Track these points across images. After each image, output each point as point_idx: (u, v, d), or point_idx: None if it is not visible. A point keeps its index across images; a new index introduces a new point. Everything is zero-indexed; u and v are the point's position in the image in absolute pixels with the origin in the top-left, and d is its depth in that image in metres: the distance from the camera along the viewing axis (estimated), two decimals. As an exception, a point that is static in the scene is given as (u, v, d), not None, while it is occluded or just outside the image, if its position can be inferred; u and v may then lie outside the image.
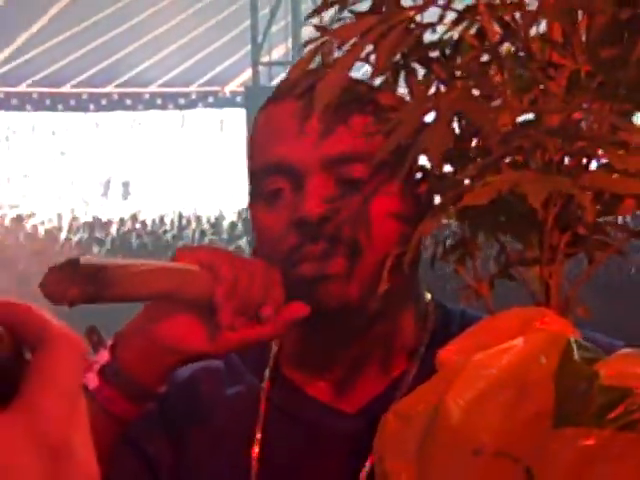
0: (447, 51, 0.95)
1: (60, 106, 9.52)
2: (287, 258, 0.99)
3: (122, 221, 8.02)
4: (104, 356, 0.94)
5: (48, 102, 9.44)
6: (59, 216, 9.16)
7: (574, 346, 0.86)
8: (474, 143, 0.94)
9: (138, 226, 8.33)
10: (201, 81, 10.44)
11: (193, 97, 10.13)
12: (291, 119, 0.99)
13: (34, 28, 9.51)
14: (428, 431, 0.87)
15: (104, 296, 0.78)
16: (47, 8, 9.43)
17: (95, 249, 7.52)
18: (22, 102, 8.87)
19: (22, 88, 9.45)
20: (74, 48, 9.41)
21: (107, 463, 0.86)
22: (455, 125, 0.92)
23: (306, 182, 0.98)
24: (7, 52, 9.54)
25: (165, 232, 8.51)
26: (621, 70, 0.90)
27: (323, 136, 0.99)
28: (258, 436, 1.04)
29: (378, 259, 0.98)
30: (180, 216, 8.18)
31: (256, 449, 1.04)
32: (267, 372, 1.08)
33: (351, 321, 1.02)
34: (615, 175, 0.91)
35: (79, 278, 0.75)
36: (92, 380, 0.93)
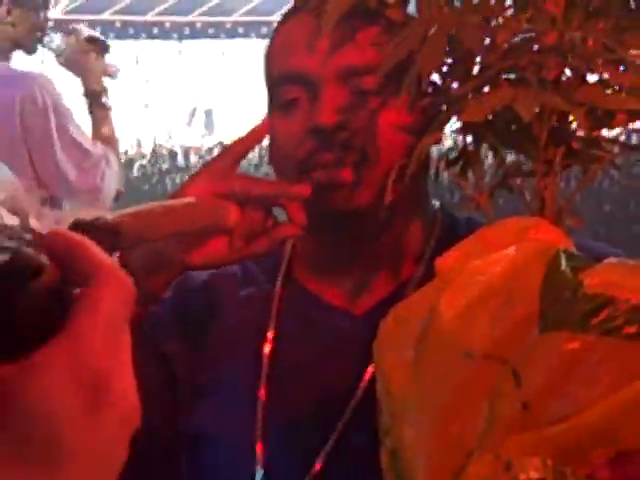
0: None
1: (143, 34, 9.45)
2: (301, 165, 1.04)
3: (207, 150, 7.96)
4: None
5: (131, 31, 9.38)
6: (138, 142, 9.11)
7: (562, 256, 0.91)
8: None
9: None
10: (283, 10, 10.29)
11: (275, 25, 10.05)
12: (306, 32, 1.03)
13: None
14: (423, 334, 0.93)
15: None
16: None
17: (177, 178, 7.50)
18: (105, 30, 8.82)
19: (105, 16, 9.36)
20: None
21: None
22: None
23: (321, 92, 1.02)
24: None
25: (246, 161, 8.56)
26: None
27: (337, 48, 1.03)
28: (270, 335, 1.11)
29: (386, 169, 1.02)
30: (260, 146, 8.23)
31: (267, 347, 1.10)
32: (280, 276, 1.13)
33: (360, 228, 1.07)
34: (608, 91, 0.95)
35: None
36: None
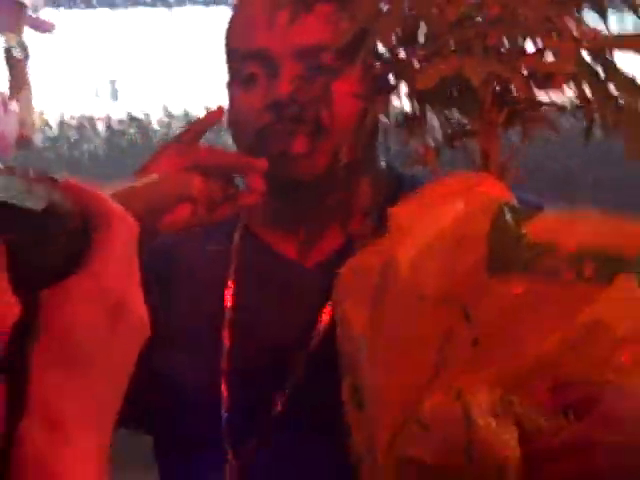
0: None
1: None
2: (258, 136, 1.11)
3: (111, 119, 7.97)
4: None
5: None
6: (41, 112, 9.00)
7: (505, 208, 1.01)
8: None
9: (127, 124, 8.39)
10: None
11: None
12: (266, 9, 1.10)
13: None
14: (380, 281, 1.01)
15: None
16: None
17: (85, 147, 7.51)
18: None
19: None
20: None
21: None
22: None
23: (280, 69, 1.09)
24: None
25: (154, 129, 8.60)
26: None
27: (294, 26, 1.10)
28: (230, 285, 1.18)
29: (340, 136, 1.10)
30: (168, 112, 8.29)
31: (229, 296, 1.18)
32: (238, 230, 1.21)
33: (315, 190, 1.15)
34: (547, 58, 1.04)
35: None
36: None
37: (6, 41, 3.02)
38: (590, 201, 1.15)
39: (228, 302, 1.19)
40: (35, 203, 0.54)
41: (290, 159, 1.11)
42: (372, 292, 1.02)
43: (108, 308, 0.55)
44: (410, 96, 1.08)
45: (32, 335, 0.53)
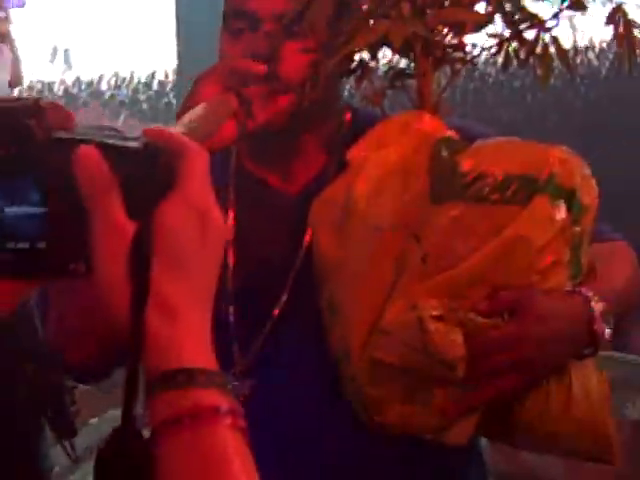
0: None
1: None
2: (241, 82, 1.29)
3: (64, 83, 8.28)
4: None
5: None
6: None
7: (441, 143, 1.20)
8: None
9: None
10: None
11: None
12: None
13: None
14: (343, 212, 1.21)
15: None
16: None
17: None
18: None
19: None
20: None
21: None
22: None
23: (260, 25, 1.27)
24: None
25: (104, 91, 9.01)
26: None
27: None
28: (231, 213, 1.37)
29: (297, 83, 1.28)
30: (117, 76, 8.63)
31: (229, 221, 1.37)
32: (231, 167, 1.40)
33: (285, 132, 1.32)
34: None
35: None
36: None
37: None
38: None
39: (229, 225, 1.37)
40: (133, 144, 0.71)
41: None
42: (337, 221, 1.21)
43: (198, 218, 0.72)
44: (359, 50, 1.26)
45: (147, 245, 0.69)
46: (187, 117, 1.17)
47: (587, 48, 7.31)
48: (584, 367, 1.21)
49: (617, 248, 1.36)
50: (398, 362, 1.15)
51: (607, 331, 1.19)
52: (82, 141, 0.69)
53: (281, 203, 1.37)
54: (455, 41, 1.25)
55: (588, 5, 1.22)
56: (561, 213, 1.15)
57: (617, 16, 1.22)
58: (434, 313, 1.13)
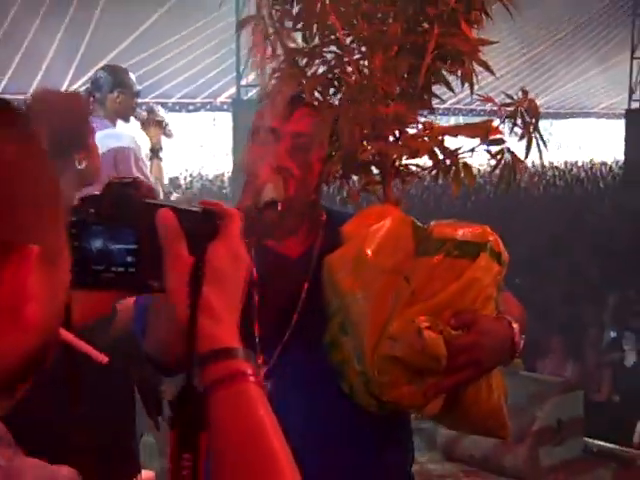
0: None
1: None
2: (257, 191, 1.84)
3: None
4: None
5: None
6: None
7: (415, 222, 1.83)
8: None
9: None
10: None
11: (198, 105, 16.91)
12: (276, 109, 1.86)
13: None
14: (355, 263, 1.78)
15: None
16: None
17: None
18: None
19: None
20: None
21: None
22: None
23: (281, 140, 1.84)
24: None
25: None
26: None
27: (291, 119, 1.86)
28: (254, 271, 1.88)
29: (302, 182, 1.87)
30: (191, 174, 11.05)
31: (253, 275, 1.87)
32: (253, 242, 1.93)
33: (288, 217, 1.89)
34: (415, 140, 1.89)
35: None
36: None
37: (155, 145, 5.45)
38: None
39: (254, 277, 1.89)
40: (195, 209, 1.11)
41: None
42: (351, 268, 1.78)
43: (233, 256, 1.10)
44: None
45: (200, 272, 1.06)
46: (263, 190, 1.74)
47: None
48: (497, 373, 1.84)
49: (507, 294, 2.01)
50: (403, 357, 1.71)
51: (521, 343, 1.83)
52: (162, 205, 1.09)
53: (286, 263, 1.93)
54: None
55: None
56: (496, 266, 1.80)
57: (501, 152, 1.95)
58: (426, 324, 1.71)
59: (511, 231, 8.50)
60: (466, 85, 1.94)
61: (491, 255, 1.81)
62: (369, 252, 1.80)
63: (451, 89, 1.97)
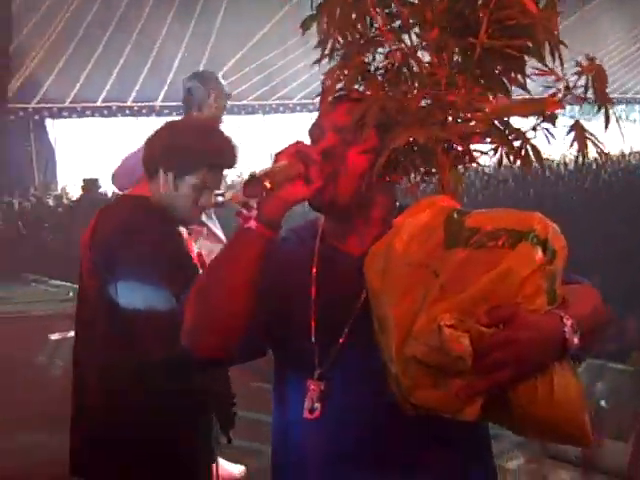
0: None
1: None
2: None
3: None
4: (254, 212, 1.78)
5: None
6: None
7: (454, 211, 1.72)
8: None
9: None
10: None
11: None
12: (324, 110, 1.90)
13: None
14: (385, 258, 1.73)
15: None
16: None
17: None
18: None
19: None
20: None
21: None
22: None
23: (325, 134, 1.86)
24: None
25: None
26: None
27: (332, 114, 1.87)
28: (314, 268, 1.93)
29: (354, 178, 1.84)
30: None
31: (314, 272, 1.93)
32: (317, 238, 1.97)
33: (347, 213, 1.88)
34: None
35: None
36: (252, 222, 1.78)
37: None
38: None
39: (314, 274, 1.94)
40: None
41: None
42: (382, 264, 1.73)
43: None
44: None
45: None
46: (271, 166, 1.74)
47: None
48: (563, 369, 1.67)
49: (584, 287, 1.84)
50: (424, 357, 1.63)
51: (575, 340, 1.66)
52: None
53: (347, 261, 1.91)
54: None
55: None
56: (538, 255, 1.65)
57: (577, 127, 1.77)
58: (448, 323, 1.61)
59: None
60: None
61: (535, 244, 1.66)
62: (398, 246, 1.73)
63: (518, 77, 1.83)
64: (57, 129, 11.68)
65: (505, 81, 1.83)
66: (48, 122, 12.14)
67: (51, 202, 9.95)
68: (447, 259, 1.68)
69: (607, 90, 1.78)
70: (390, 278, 1.72)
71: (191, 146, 2.86)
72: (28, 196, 9.96)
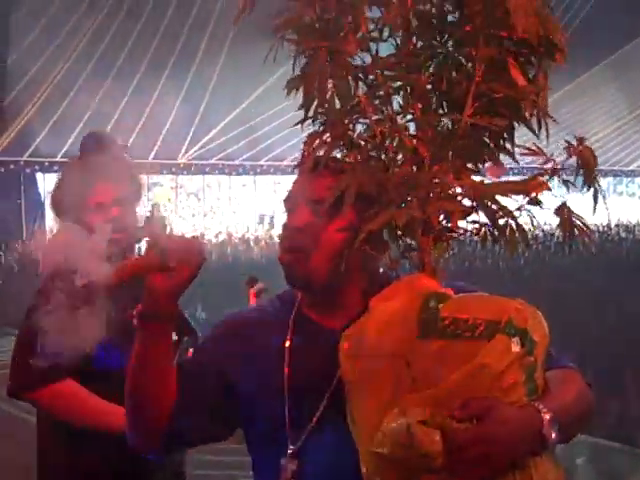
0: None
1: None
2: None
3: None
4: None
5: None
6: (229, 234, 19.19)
7: (431, 296, 1.63)
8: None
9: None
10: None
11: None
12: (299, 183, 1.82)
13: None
14: (357, 343, 1.64)
15: None
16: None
17: None
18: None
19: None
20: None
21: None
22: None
23: (297, 208, 1.78)
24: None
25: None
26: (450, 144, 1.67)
27: (308, 187, 1.78)
28: (287, 343, 1.84)
29: (328, 255, 1.76)
30: None
31: (287, 346, 1.84)
32: (294, 311, 1.89)
33: (328, 288, 1.80)
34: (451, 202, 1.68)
35: None
36: (134, 320, 1.79)
37: None
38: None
39: (287, 350, 1.85)
40: None
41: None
42: (354, 350, 1.65)
43: None
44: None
45: None
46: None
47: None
48: (543, 462, 1.58)
49: (566, 372, 1.73)
50: (391, 454, 1.54)
51: (553, 435, 1.56)
52: None
53: (325, 336, 1.82)
54: (447, 225, 1.71)
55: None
56: (516, 347, 1.56)
57: (564, 209, 1.66)
58: (419, 419, 1.53)
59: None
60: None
61: (512, 335, 1.56)
62: (371, 333, 1.64)
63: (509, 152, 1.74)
64: (47, 183, 11.98)
65: (493, 149, 1.73)
66: (39, 176, 12.52)
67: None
68: (420, 349, 1.60)
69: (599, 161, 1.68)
70: (361, 369, 1.64)
71: None
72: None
